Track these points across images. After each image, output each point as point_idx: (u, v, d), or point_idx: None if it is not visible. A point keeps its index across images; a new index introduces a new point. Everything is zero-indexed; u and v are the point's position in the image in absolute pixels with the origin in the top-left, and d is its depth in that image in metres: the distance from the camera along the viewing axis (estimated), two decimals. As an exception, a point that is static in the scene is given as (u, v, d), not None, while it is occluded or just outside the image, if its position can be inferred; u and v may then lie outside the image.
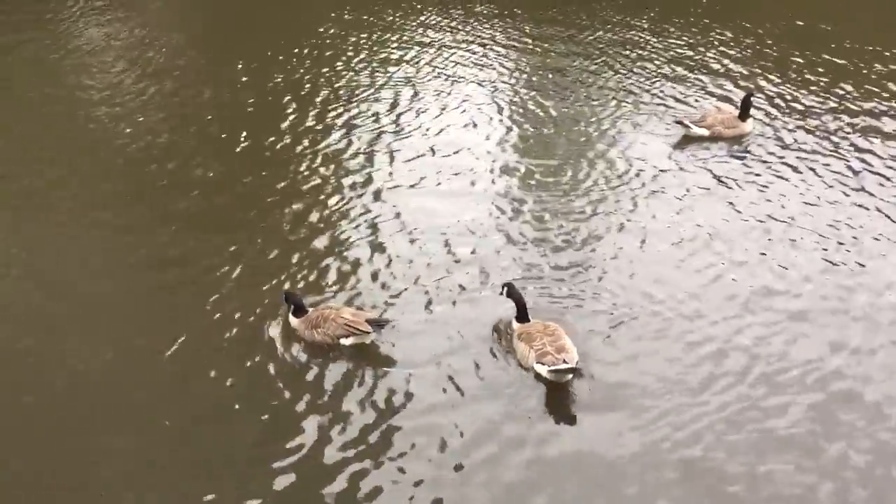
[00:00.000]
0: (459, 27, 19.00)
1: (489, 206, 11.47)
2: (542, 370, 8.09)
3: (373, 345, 8.77)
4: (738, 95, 14.20)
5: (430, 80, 15.88)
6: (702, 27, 18.37)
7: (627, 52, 17.10)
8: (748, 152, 12.84)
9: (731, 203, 11.45)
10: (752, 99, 13.38)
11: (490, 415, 7.83)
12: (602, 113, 14.36)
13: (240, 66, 16.72)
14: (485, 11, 20.14)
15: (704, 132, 13.17)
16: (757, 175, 12.19)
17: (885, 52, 16.36)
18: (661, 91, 15.19)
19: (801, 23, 18.45)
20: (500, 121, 14.14)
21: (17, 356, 8.77)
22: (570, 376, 8.09)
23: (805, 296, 9.52)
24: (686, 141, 13.17)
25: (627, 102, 14.77)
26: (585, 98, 15.15)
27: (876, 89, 14.88)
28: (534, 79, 16.08)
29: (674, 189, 11.81)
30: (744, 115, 13.28)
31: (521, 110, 14.57)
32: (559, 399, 8.02)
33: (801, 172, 12.20)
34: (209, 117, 14.64)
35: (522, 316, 8.66)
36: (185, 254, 10.45)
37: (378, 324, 8.60)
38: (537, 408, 7.96)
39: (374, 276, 9.94)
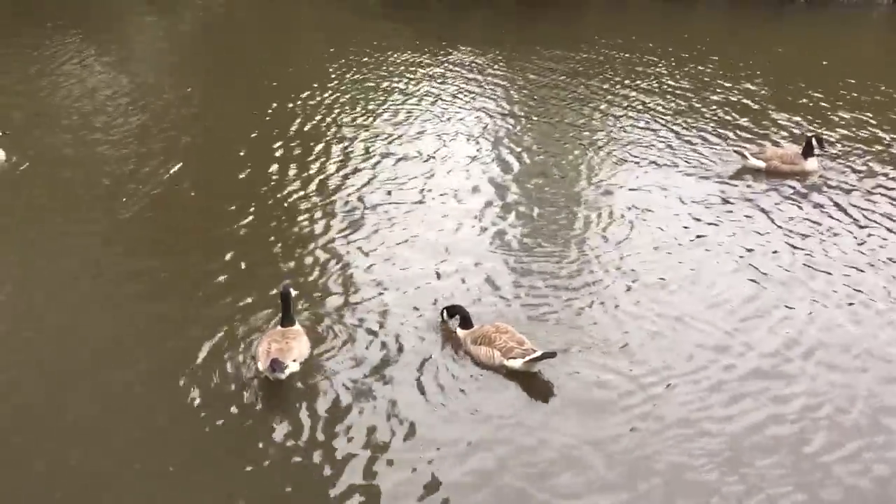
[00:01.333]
0: (448, 61, 18.93)
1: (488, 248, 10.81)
2: (517, 364, 8.26)
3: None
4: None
5: (425, 114, 15.44)
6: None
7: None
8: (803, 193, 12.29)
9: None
10: (817, 140, 12.79)
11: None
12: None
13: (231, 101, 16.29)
14: (479, 41, 20.34)
15: (761, 164, 12.83)
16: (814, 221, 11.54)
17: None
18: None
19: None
20: (499, 155, 13.68)
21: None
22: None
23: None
24: (741, 172, 12.88)
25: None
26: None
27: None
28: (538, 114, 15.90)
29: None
30: (807, 153, 12.79)
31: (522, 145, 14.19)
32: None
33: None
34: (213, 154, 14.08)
35: (467, 323, 8.84)
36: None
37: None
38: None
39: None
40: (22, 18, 22.26)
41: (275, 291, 9.10)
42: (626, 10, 24.59)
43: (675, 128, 14.89)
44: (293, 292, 8.65)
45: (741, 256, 10.54)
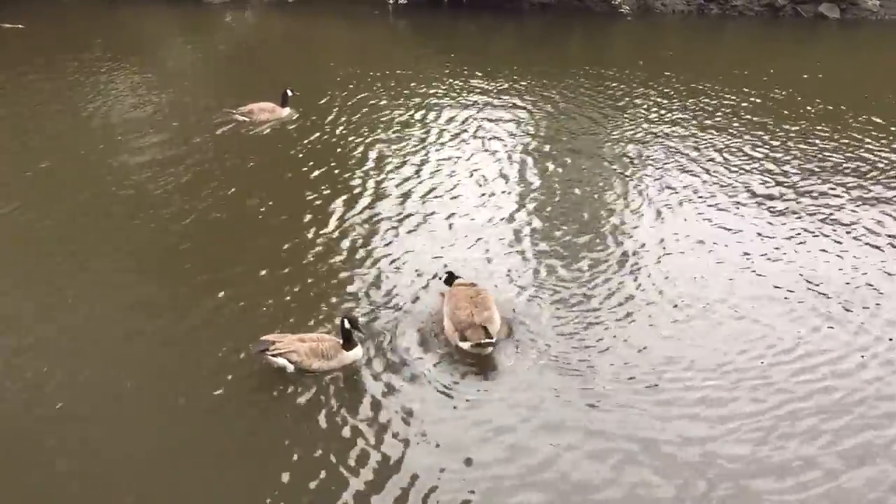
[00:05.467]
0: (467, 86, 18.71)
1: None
2: (466, 345, 8.22)
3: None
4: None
5: (450, 141, 14.76)
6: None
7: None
8: None
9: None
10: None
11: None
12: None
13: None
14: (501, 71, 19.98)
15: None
16: None
17: None
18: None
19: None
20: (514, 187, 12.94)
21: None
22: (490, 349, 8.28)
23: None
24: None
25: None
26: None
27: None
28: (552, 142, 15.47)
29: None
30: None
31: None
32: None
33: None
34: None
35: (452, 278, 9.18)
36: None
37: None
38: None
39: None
40: (68, 45, 22.29)
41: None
42: (657, 28, 24.46)
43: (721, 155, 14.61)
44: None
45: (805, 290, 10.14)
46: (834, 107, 16.59)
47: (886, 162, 13.77)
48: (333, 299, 9.54)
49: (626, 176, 13.27)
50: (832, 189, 12.73)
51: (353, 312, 8.88)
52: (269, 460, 7.20)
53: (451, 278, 9.34)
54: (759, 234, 11.27)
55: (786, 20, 23.91)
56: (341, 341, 8.28)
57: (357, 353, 8.34)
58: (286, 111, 15.61)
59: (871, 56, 21.84)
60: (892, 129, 15.24)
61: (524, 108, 16.80)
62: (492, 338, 8.28)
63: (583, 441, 7.37)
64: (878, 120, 15.70)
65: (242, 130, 15.09)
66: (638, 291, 9.75)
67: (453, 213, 11.85)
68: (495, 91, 17.93)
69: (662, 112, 16.47)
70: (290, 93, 15.71)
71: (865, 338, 8.90)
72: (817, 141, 14.74)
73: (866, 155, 14.05)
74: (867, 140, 14.70)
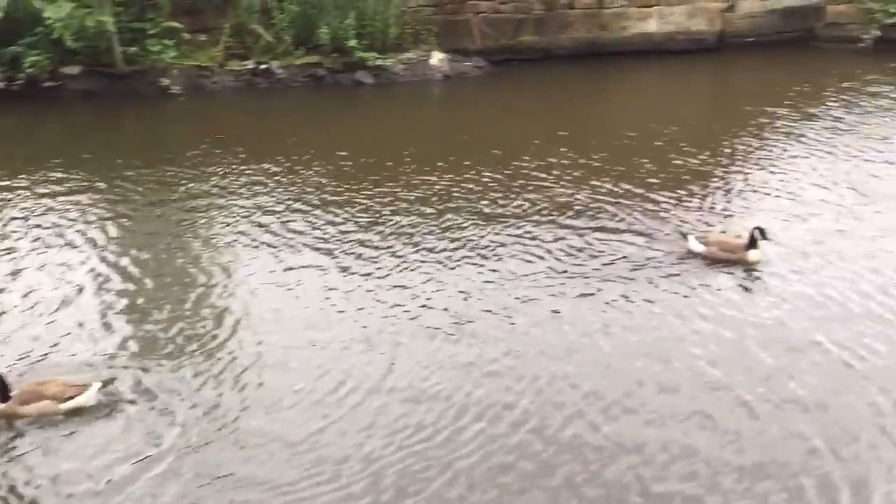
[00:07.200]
0: None
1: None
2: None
3: None
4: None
5: None
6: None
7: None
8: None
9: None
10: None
11: None
12: None
13: None
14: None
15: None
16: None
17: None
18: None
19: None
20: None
21: None
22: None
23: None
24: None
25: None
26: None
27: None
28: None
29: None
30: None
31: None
32: None
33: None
34: None
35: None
36: None
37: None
38: None
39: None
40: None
41: None
42: (210, 105, 24.98)
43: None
44: None
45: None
46: (377, 160, 18.35)
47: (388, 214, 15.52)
48: None
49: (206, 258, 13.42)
50: (374, 241, 14.02)
51: None
52: None
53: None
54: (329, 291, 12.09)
55: (329, 88, 25.75)
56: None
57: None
58: None
59: (404, 109, 24.54)
60: (406, 179, 17.26)
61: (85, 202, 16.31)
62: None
63: None
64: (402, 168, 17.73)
65: None
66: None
67: None
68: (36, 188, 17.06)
69: (221, 187, 16.98)
70: None
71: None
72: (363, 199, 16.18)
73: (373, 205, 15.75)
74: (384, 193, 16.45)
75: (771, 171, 17.10)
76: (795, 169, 17.22)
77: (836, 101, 22.33)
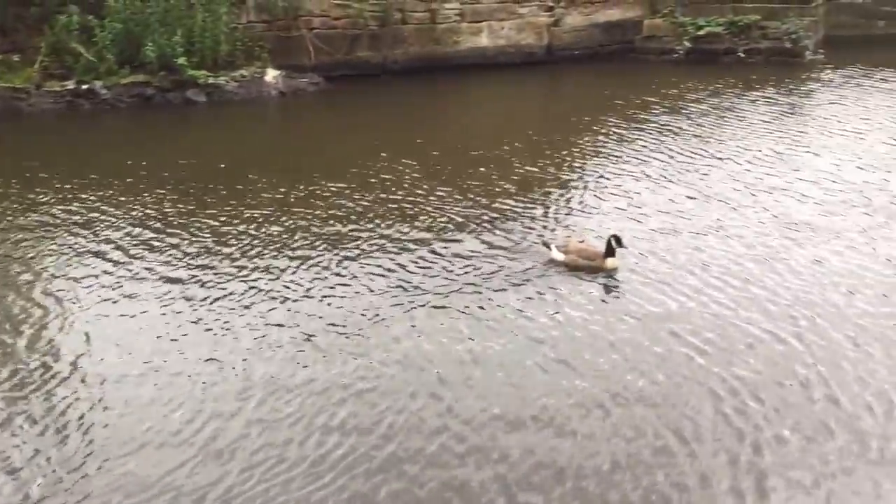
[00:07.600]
0: None
1: None
2: None
3: None
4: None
5: None
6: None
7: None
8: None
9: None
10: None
11: None
12: None
13: None
14: None
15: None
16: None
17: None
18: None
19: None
20: None
21: None
22: None
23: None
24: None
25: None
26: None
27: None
28: None
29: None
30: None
31: None
32: None
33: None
34: None
35: None
36: None
37: None
38: None
39: None
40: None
41: None
42: (30, 132, 23.48)
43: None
44: None
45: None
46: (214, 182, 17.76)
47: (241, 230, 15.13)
48: None
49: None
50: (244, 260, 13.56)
51: None
52: None
53: None
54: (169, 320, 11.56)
55: (159, 108, 24.80)
56: None
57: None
58: None
59: (239, 128, 23.93)
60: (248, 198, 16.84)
61: None
62: None
63: None
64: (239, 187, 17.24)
65: None
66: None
67: None
68: None
69: (51, 215, 15.93)
70: None
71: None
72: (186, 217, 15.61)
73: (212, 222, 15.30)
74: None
75: (608, 178, 17.79)
76: (631, 173, 18.01)
77: (659, 108, 23.63)
